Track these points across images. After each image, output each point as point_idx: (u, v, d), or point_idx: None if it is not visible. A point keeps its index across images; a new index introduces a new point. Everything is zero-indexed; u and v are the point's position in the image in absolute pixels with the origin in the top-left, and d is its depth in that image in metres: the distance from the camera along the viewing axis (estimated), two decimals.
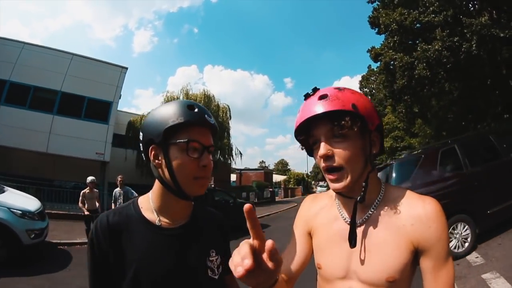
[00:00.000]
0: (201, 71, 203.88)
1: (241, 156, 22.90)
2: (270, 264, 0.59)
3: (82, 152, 14.86)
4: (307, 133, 0.90)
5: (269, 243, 0.59)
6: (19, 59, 14.00)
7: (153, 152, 0.93)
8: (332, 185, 0.87)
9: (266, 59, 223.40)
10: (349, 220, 0.90)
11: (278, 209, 19.50)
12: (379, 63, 19.26)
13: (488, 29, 12.82)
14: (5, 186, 6.83)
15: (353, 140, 0.84)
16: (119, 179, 7.22)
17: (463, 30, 13.70)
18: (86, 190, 7.54)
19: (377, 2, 18.59)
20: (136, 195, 5.07)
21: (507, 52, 14.40)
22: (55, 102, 14.77)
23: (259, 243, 0.60)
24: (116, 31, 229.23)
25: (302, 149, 0.97)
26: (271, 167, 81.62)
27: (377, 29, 18.73)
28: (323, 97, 0.84)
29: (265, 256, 0.59)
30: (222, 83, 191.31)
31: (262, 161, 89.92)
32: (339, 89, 0.87)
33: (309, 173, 73.08)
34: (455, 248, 5.18)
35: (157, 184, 0.97)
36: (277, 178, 49.68)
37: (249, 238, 0.62)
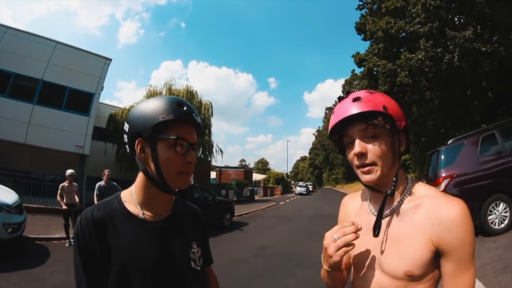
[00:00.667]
0: (186, 66, 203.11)
1: (221, 154, 22.94)
2: None
3: (61, 144, 14.49)
4: (341, 133, 0.96)
5: None
6: (1, 44, 13.46)
7: (139, 146, 0.94)
8: (363, 177, 0.92)
9: (251, 58, 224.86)
10: (377, 212, 0.95)
11: (257, 208, 19.57)
12: (363, 68, 19.61)
13: (470, 43, 13.24)
14: None
15: (384, 138, 0.90)
16: (106, 173, 7.10)
17: (446, 42, 14.08)
18: (65, 184, 7.38)
19: (365, 9, 18.88)
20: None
21: (488, 65, 14.89)
22: (35, 91, 14.30)
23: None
24: (102, 20, 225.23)
25: (336, 149, 1.04)
26: (251, 165, 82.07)
27: (363, 35, 19.03)
28: (356, 99, 0.90)
29: None
30: (206, 80, 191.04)
31: (243, 159, 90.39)
32: (370, 92, 0.93)
33: (289, 173, 73.71)
34: (494, 224, 5.96)
35: (140, 177, 0.99)
36: (257, 177, 49.92)
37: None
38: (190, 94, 19.08)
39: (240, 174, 35.75)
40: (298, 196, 39.02)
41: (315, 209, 18.97)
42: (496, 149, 6.45)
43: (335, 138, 0.99)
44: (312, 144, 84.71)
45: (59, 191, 7.34)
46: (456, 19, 15.80)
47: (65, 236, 7.40)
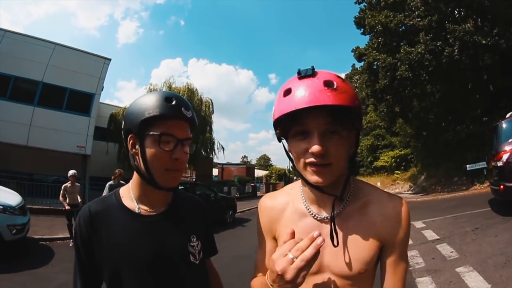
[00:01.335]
0: (186, 64, 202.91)
1: (223, 151, 22.91)
2: None
3: (63, 145, 14.51)
4: (295, 120, 0.78)
5: None
6: (0, 47, 13.48)
7: (131, 141, 0.95)
8: (313, 177, 0.79)
9: (251, 55, 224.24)
10: (319, 216, 0.89)
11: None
12: (362, 62, 19.60)
13: (470, 36, 13.20)
14: None
15: (344, 137, 0.79)
16: (117, 172, 7.10)
17: (446, 35, 14.05)
18: (68, 184, 7.41)
19: (364, 3, 18.83)
20: None
21: (489, 58, 14.84)
22: (36, 93, 14.33)
23: None
24: (101, 21, 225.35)
25: (279, 137, 0.87)
26: (253, 162, 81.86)
27: (362, 29, 19.00)
28: (329, 84, 0.75)
29: None
30: (207, 77, 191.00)
31: (245, 156, 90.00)
32: (342, 79, 0.79)
33: (291, 169, 73.54)
34: None
35: (135, 173, 1.00)
36: (259, 173, 49.87)
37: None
38: (191, 92, 19.02)
39: (242, 171, 35.67)
40: None
41: None
42: None
43: (285, 124, 0.82)
44: None
45: (61, 191, 7.37)
46: (455, 12, 15.75)
47: (68, 236, 7.43)
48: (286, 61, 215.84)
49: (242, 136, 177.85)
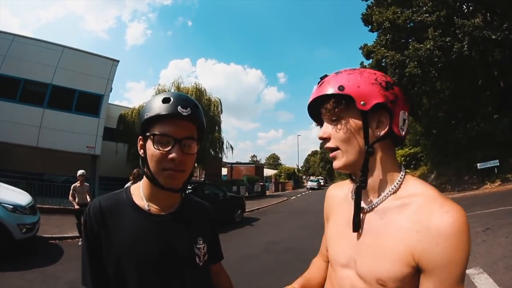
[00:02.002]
0: (194, 64, 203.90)
1: (232, 150, 23.10)
2: None
3: (73, 146, 14.74)
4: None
5: None
6: (9, 51, 13.78)
7: (140, 143, 0.99)
8: (333, 163, 0.86)
9: (260, 54, 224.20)
10: (363, 205, 0.86)
11: (268, 203, 19.55)
12: (371, 60, 19.42)
13: (480, 31, 12.99)
14: None
15: (347, 121, 0.80)
16: (136, 172, 7.06)
17: (455, 30, 13.85)
18: (77, 184, 7.49)
19: (371, 0, 18.68)
20: None
21: (499, 54, 14.59)
22: (45, 95, 14.59)
23: None
24: (109, 23, 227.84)
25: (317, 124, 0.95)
26: (263, 161, 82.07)
27: (370, 26, 18.84)
28: (320, 82, 0.85)
29: None
30: (215, 77, 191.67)
31: (254, 155, 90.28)
32: (336, 72, 0.85)
33: (300, 168, 73.50)
34: None
35: None
36: (268, 172, 49.92)
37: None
38: (199, 92, 19.06)
39: (251, 170, 35.75)
40: (310, 191, 38.93)
41: None
42: None
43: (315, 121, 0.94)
44: None
45: (71, 191, 7.46)
46: (464, 6, 15.52)
47: (78, 235, 7.52)
48: (294, 60, 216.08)
49: (251, 136, 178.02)
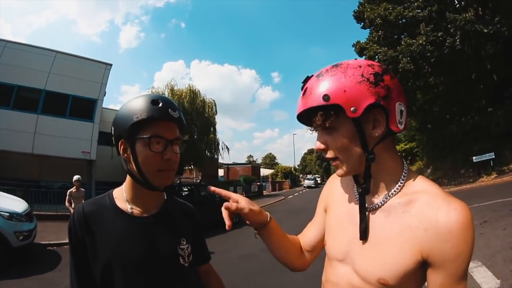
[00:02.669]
0: (188, 66, 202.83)
1: (228, 151, 23.11)
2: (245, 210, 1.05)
3: (68, 152, 14.61)
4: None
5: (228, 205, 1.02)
6: (1, 58, 13.64)
7: (122, 146, 0.97)
8: (336, 172, 0.84)
9: (253, 54, 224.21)
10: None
11: (265, 203, 19.49)
12: (364, 57, 19.46)
13: (472, 25, 13.08)
14: None
15: (341, 129, 0.76)
16: None
17: (447, 25, 13.94)
18: (73, 189, 7.46)
19: None
20: None
21: (492, 47, 14.69)
22: (39, 101, 14.46)
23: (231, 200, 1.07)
24: (102, 27, 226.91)
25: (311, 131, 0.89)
26: (259, 161, 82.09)
27: (362, 23, 18.92)
28: (304, 92, 0.79)
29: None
30: (210, 78, 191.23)
31: (250, 155, 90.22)
32: (318, 76, 0.78)
33: (297, 167, 73.65)
34: None
35: (128, 176, 1.02)
36: (264, 172, 50.02)
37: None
38: (193, 94, 19.05)
39: (248, 170, 35.81)
40: (307, 189, 39.03)
41: None
42: None
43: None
44: None
45: (67, 197, 7.43)
46: (456, 1, 15.62)
47: None
48: (288, 59, 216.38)
49: (247, 136, 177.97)
